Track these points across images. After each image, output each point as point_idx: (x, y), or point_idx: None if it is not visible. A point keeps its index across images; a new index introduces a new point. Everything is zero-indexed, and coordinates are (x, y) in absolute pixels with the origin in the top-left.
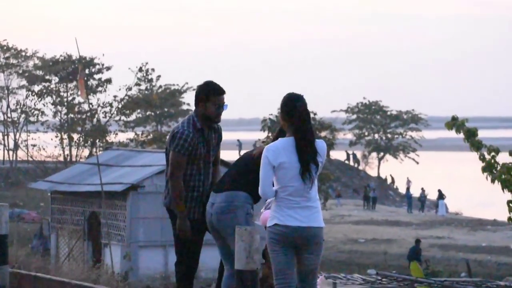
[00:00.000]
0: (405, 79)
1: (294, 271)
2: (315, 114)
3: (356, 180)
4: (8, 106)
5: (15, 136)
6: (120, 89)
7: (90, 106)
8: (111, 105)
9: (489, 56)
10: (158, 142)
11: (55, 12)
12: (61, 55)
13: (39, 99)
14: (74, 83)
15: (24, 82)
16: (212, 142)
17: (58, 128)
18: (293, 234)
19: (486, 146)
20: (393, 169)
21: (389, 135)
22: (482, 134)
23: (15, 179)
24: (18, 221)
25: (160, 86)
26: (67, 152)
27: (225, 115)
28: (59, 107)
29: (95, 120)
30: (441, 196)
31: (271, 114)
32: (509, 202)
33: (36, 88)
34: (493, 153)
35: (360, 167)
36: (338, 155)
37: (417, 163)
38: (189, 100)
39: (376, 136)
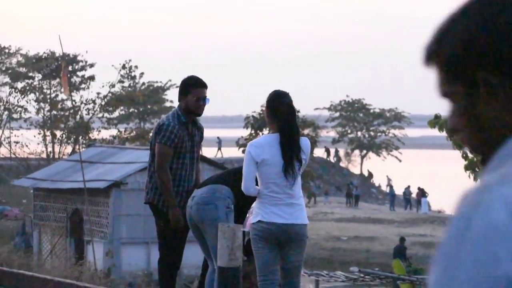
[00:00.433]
0: (388, 77)
1: (278, 268)
2: (298, 111)
3: (339, 177)
4: None
5: None
6: (103, 86)
7: (73, 103)
8: (94, 102)
9: None
10: (141, 139)
11: (38, 9)
12: (44, 52)
13: (22, 96)
14: (57, 80)
15: (7, 79)
16: (196, 138)
17: (41, 125)
18: (277, 231)
19: None
20: (376, 166)
21: (372, 133)
22: None
23: None
24: (1, 218)
25: (143, 83)
26: (50, 149)
27: (208, 112)
28: (42, 104)
29: (78, 117)
30: (423, 194)
31: (254, 112)
32: None
33: (19, 85)
34: None
35: (342, 164)
36: (321, 152)
37: (400, 161)
38: (172, 97)
39: (359, 134)
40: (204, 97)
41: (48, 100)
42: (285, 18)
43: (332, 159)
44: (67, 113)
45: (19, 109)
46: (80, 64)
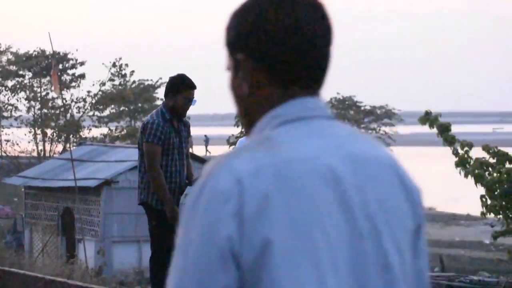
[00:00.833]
0: (379, 74)
1: None
2: None
3: None
4: None
5: None
6: (93, 84)
7: (64, 101)
8: (84, 100)
9: (462, 52)
10: (132, 138)
11: (28, 7)
12: (34, 50)
13: (13, 94)
14: (48, 78)
15: None
16: (183, 133)
17: (31, 124)
18: None
19: (459, 141)
20: None
21: (363, 130)
22: (455, 129)
23: None
24: None
25: (134, 81)
26: (40, 147)
27: (199, 110)
28: (32, 102)
29: (68, 115)
30: None
31: None
32: (482, 196)
33: (10, 83)
34: (466, 148)
35: None
36: None
37: None
38: (163, 95)
39: None
40: (192, 99)
41: (39, 99)
42: None
43: None
44: (57, 112)
45: (10, 107)
46: (71, 62)
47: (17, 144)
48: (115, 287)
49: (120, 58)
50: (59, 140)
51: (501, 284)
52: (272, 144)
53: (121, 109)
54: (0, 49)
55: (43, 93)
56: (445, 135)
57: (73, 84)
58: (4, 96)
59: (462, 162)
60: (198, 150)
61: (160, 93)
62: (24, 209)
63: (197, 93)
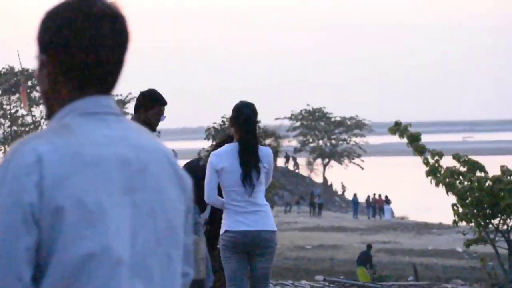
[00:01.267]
0: (348, 86)
1: (246, 278)
2: (259, 122)
3: (301, 187)
4: None
5: None
6: None
7: (34, 118)
8: None
9: (430, 62)
10: None
11: None
12: (3, 68)
13: None
14: (17, 95)
15: None
16: None
17: (1, 141)
18: (243, 239)
19: (430, 150)
20: (338, 175)
21: (333, 141)
22: (425, 138)
23: None
24: None
25: None
26: None
27: (168, 125)
28: (2, 120)
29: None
30: (387, 201)
31: (215, 123)
32: (453, 205)
33: None
34: (436, 157)
35: (305, 173)
36: (283, 162)
37: (362, 168)
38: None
39: (321, 142)
40: (163, 115)
41: (9, 116)
42: (247, 28)
43: (291, 166)
44: (27, 129)
45: None
46: None
47: None
48: None
49: None
50: None
51: None
52: (70, 130)
53: None
54: None
55: (13, 111)
56: (415, 145)
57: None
58: None
59: (433, 171)
60: None
61: (130, 108)
62: None
63: (166, 108)
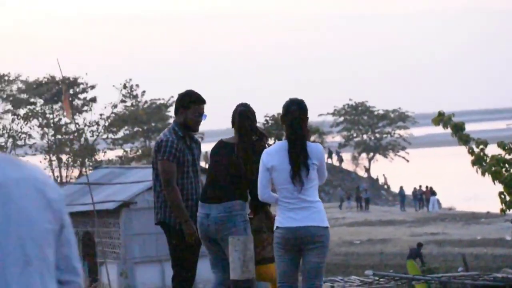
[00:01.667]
0: (390, 78)
1: (297, 277)
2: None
3: (347, 182)
4: None
5: None
6: (105, 107)
7: (77, 126)
8: (97, 123)
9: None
10: (147, 158)
11: (35, 34)
12: (44, 77)
13: (25, 122)
14: (59, 104)
15: (9, 107)
16: (195, 151)
17: (46, 150)
18: (293, 235)
19: (474, 139)
20: (384, 168)
21: (377, 135)
22: (469, 127)
23: None
24: None
25: (146, 101)
26: (56, 173)
27: (211, 126)
28: (46, 129)
29: (82, 139)
30: (432, 192)
31: (258, 122)
32: (500, 193)
33: (22, 111)
34: (481, 146)
35: (350, 168)
36: (326, 158)
37: (408, 161)
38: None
39: (365, 136)
40: (203, 113)
41: (52, 125)
42: (285, 24)
43: (335, 162)
44: (71, 137)
45: (23, 135)
46: (81, 86)
47: None
48: None
49: (130, 79)
50: (75, 165)
51: None
52: None
53: (135, 130)
54: (9, 78)
55: (56, 119)
56: (460, 135)
57: (85, 108)
58: (17, 124)
59: (479, 160)
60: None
61: (172, 111)
62: None
63: (208, 108)
